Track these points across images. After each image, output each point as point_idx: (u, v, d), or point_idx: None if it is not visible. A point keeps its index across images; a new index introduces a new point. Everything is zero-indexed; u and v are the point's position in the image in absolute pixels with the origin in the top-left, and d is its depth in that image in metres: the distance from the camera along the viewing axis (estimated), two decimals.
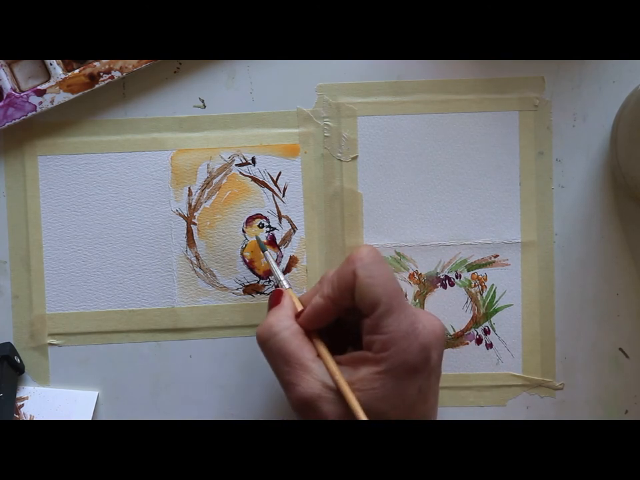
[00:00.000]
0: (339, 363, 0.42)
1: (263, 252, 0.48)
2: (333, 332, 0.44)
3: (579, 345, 0.49)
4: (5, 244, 0.49)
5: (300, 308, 0.44)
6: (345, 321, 0.44)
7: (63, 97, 0.47)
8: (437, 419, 0.44)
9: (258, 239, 0.48)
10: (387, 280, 0.41)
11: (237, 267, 0.49)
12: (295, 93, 0.49)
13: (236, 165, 0.49)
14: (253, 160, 0.49)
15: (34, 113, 0.47)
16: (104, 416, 0.49)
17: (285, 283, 0.46)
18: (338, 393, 0.41)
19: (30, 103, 0.47)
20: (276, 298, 0.45)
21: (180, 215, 0.49)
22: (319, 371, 0.41)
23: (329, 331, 0.44)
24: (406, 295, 0.49)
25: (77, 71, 0.47)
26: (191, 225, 0.49)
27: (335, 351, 0.43)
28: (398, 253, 0.49)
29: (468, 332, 0.49)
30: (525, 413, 0.49)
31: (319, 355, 0.42)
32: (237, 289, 0.49)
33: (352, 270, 0.41)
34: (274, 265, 0.47)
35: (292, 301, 0.45)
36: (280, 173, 0.49)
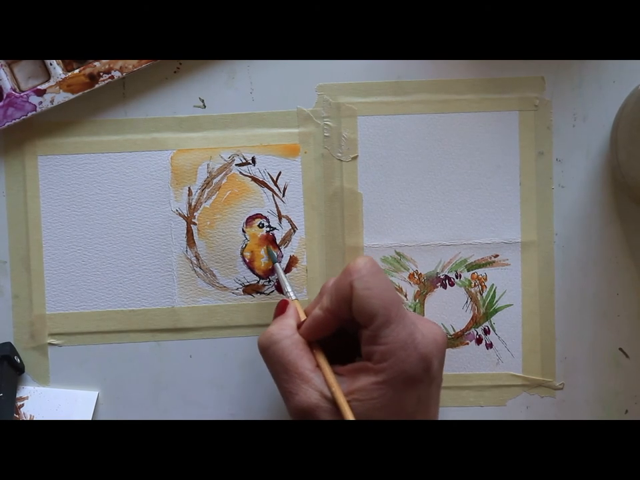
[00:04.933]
0: (339, 374, 0.42)
1: (274, 263, 0.48)
2: (338, 342, 0.44)
3: (578, 345, 0.49)
4: (5, 244, 0.49)
5: (304, 318, 0.44)
6: (348, 330, 0.44)
7: (62, 96, 0.47)
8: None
9: (269, 250, 0.49)
10: (384, 291, 0.41)
11: (236, 266, 0.49)
12: (295, 92, 0.49)
13: (236, 164, 0.49)
14: (253, 160, 0.49)
15: (34, 112, 0.47)
16: (104, 416, 0.49)
17: (291, 294, 0.46)
18: (335, 403, 0.41)
19: (30, 102, 0.47)
20: (281, 308, 0.45)
21: (180, 214, 0.49)
22: (318, 381, 0.41)
23: (333, 340, 0.44)
24: (406, 296, 0.49)
25: (77, 71, 0.47)
26: (191, 225, 0.49)
27: (340, 360, 0.43)
28: (398, 253, 0.49)
29: (468, 332, 0.49)
30: (524, 413, 0.49)
31: (318, 366, 0.42)
32: (237, 289, 0.49)
33: (349, 282, 0.41)
34: (283, 276, 0.47)
35: (296, 312, 0.45)
36: (280, 172, 0.49)
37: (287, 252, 0.49)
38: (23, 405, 0.48)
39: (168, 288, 0.49)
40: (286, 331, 0.43)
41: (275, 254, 0.49)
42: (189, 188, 0.49)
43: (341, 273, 0.42)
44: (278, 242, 0.49)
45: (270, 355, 0.43)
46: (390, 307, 0.41)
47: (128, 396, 0.49)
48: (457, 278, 0.49)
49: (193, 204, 0.49)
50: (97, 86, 0.48)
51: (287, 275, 0.49)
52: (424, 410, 0.41)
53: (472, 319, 0.50)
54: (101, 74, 0.47)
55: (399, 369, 0.40)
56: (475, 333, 0.50)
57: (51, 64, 0.47)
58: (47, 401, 0.49)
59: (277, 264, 0.48)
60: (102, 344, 0.49)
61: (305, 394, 0.41)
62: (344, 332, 0.44)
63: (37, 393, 0.49)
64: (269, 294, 0.49)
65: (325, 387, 0.41)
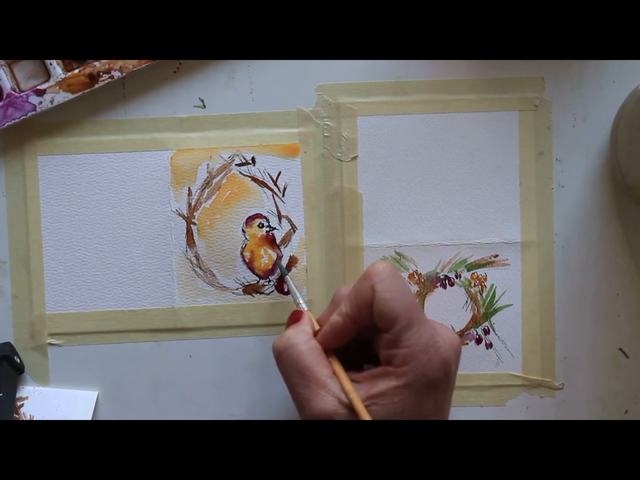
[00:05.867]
0: (356, 381, 0.41)
1: (284, 276, 0.48)
2: (349, 349, 0.43)
3: (579, 345, 0.49)
4: (5, 244, 0.49)
5: (317, 328, 0.44)
6: (361, 338, 0.43)
7: (62, 96, 0.47)
8: None
9: (280, 265, 0.49)
10: (405, 294, 0.41)
11: (236, 266, 0.49)
12: (295, 93, 0.49)
13: (236, 164, 0.49)
14: (253, 160, 0.49)
15: (34, 112, 0.47)
16: (104, 416, 0.49)
17: (304, 305, 0.46)
18: (352, 410, 0.40)
19: (30, 102, 0.47)
20: (295, 317, 0.45)
21: (180, 214, 0.49)
22: (335, 387, 0.41)
23: (345, 348, 0.43)
24: None
25: (76, 71, 0.47)
26: (191, 225, 0.49)
27: (351, 368, 0.42)
28: (398, 253, 0.49)
29: (468, 332, 0.49)
30: (524, 413, 0.49)
31: (334, 373, 0.42)
32: (237, 289, 0.49)
33: (370, 286, 0.41)
34: (294, 288, 0.47)
35: (311, 321, 0.44)
36: (280, 172, 0.49)
37: (286, 252, 0.49)
38: (22, 404, 0.48)
39: (168, 288, 0.49)
40: (303, 336, 0.43)
41: (286, 270, 0.49)
42: (189, 188, 0.49)
43: (360, 278, 0.42)
44: (278, 242, 0.49)
45: (285, 358, 0.42)
46: (412, 310, 0.40)
47: (128, 396, 0.49)
48: (456, 278, 0.49)
49: (193, 204, 0.49)
50: (96, 86, 0.48)
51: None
52: (439, 415, 0.41)
53: (472, 319, 0.50)
54: (101, 74, 0.47)
55: (421, 373, 0.40)
56: (475, 333, 0.50)
57: (50, 64, 0.47)
58: (46, 401, 0.49)
59: (288, 277, 0.48)
60: (102, 344, 0.49)
61: (321, 400, 0.40)
62: (355, 340, 0.43)
63: (36, 393, 0.49)
64: (268, 294, 0.49)
65: (342, 393, 0.41)
